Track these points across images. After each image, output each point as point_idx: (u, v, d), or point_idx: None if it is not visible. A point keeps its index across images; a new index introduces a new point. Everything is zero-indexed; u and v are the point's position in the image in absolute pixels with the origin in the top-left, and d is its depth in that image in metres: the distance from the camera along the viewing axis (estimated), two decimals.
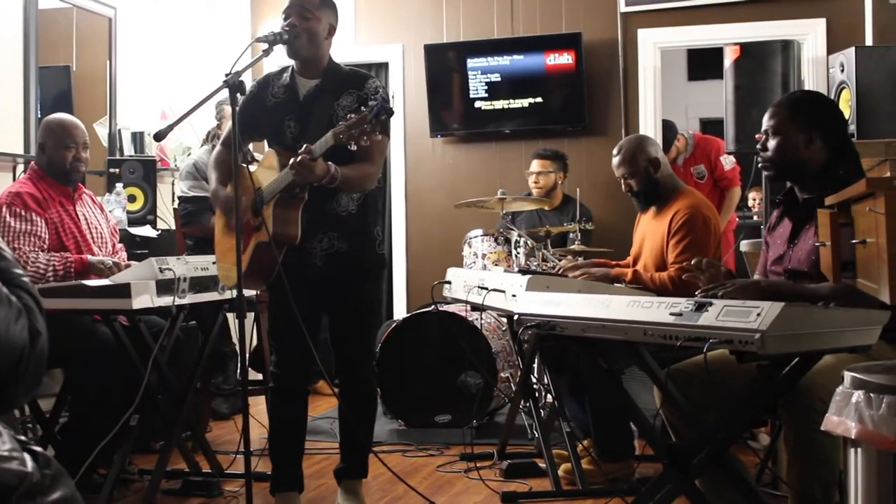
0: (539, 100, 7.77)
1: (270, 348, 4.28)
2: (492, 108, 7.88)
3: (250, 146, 4.76)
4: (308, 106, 4.01)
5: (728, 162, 7.57)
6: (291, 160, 3.63)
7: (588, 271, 4.70)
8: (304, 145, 3.64)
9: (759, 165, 3.63)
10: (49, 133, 4.80)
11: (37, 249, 4.53)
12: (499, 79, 7.83)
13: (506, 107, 7.85)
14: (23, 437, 1.70)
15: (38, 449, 1.72)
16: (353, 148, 3.65)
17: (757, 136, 3.67)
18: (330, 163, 3.70)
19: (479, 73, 7.87)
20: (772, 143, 3.56)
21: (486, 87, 7.85)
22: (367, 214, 4.12)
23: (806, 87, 6.72)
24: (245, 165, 3.82)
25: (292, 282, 3.79)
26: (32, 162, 4.91)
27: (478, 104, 7.90)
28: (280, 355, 4.13)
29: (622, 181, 4.79)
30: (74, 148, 4.79)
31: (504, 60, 7.82)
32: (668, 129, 7.74)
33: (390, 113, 3.59)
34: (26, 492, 1.66)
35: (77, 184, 4.88)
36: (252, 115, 4.08)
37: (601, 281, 4.59)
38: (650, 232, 4.81)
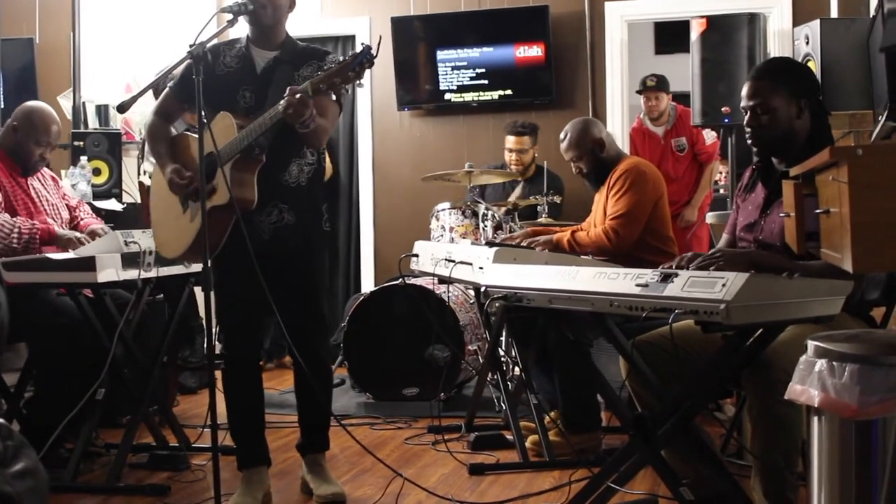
0: (509, 92, 7.78)
1: (218, 327, 4.19)
2: (461, 99, 7.88)
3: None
4: (266, 77, 3.95)
5: (709, 136, 7.59)
6: (285, 98, 3.55)
7: (534, 241, 4.82)
8: (290, 87, 3.58)
9: (749, 141, 3.54)
10: (27, 122, 4.73)
11: None
12: (469, 74, 7.83)
13: (476, 99, 7.86)
14: None
15: (1, 420, 1.71)
16: (339, 107, 3.65)
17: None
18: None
19: (450, 69, 7.86)
20: (765, 119, 3.45)
21: (456, 83, 7.86)
22: (315, 188, 4.09)
23: None
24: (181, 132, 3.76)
25: (238, 256, 3.72)
26: None
27: (448, 96, 7.91)
28: (228, 333, 4.07)
29: (572, 164, 5.01)
30: (46, 147, 4.76)
31: (474, 52, 7.81)
32: (662, 82, 7.74)
33: (372, 61, 3.55)
34: None
35: None
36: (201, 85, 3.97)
37: (547, 247, 4.74)
38: (598, 202, 5.03)
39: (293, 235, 3.99)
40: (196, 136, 3.63)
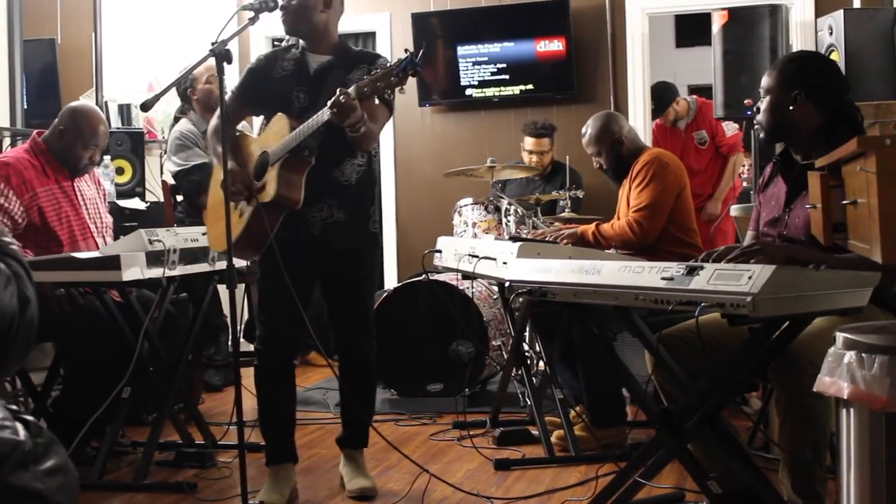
0: (530, 87, 7.77)
1: (257, 321, 4.23)
2: (483, 95, 7.88)
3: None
4: (319, 79, 4.00)
5: (730, 128, 7.53)
6: (332, 99, 3.58)
7: (559, 235, 4.82)
8: (340, 89, 3.60)
9: (755, 128, 3.63)
10: (75, 126, 4.66)
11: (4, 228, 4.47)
12: (490, 69, 7.82)
13: (497, 94, 7.85)
14: (14, 407, 1.70)
15: (30, 418, 1.72)
16: (376, 102, 3.67)
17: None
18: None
19: (471, 64, 7.85)
20: (762, 105, 3.55)
21: (477, 78, 7.85)
22: (366, 189, 4.13)
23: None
24: (239, 132, 3.81)
25: (286, 251, 3.77)
26: (36, 133, 4.77)
27: (469, 91, 7.90)
28: (266, 327, 4.09)
29: (593, 159, 5.03)
30: (94, 149, 4.72)
31: (495, 48, 7.80)
32: (667, 90, 7.72)
33: (416, 67, 3.55)
34: (18, 460, 1.66)
35: None
36: (258, 88, 4.08)
37: (571, 240, 4.76)
38: (622, 196, 5.02)
39: (343, 233, 4.02)
40: (253, 136, 3.71)
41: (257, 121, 5.04)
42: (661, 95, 7.64)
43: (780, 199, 3.57)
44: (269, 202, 3.81)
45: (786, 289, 2.63)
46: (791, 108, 3.46)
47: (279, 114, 3.92)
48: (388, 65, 3.61)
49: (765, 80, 3.57)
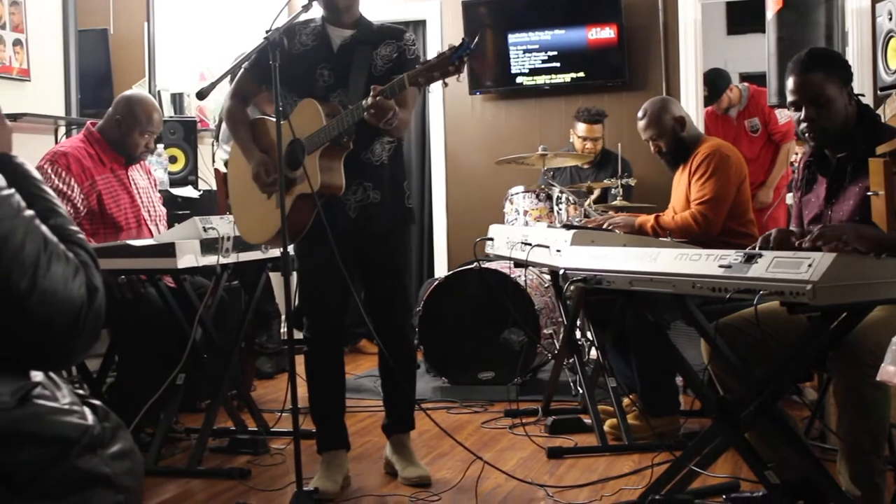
0: (581, 74, 7.74)
1: (304, 310, 4.22)
2: (533, 83, 7.86)
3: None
4: (344, 56, 3.95)
5: (783, 115, 7.44)
6: (369, 100, 3.56)
7: (613, 222, 4.77)
8: (374, 87, 3.58)
9: (807, 134, 3.47)
10: (131, 115, 4.68)
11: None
12: (541, 57, 7.79)
13: (548, 82, 7.82)
14: (81, 391, 1.71)
15: (98, 402, 1.74)
16: (429, 91, 3.64)
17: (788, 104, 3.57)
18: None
19: (522, 52, 7.83)
20: (823, 111, 3.41)
21: (528, 66, 7.83)
22: (397, 166, 4.11)
23: (850, 39, 6.64)
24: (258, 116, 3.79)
25: (323, 240, 3.72)
26: (90, 123, 4.81)
27: (520, 79, 7.88)
28: (313, 317, 4.10)
29: (651, 143, 4.91)
30: (150, 136, 4.75)
31: (545, 35, 7.77)
32: (720, 76, 7.63)
33: (472, 54, 3.53)
34: (87, 444, 1.68)
35: None
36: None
37: (625, 230, 4.69)
38: (677, 183, 4.96)
39: (379, 213, 4.01)
40: (271, 120, 3.66)
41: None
42: (715, 82, 7.57)
43: (820, 196, 3.54)
44: (314, 193, 3.75)
45: (846, 277, 2.60)
46: (847, 106, 3.41)
47: (308, 99, 3.85)
48: (442, 53, 3.58)
49: (806, 88, 3.43)
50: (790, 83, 3.47)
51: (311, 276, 4.05)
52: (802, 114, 3.45)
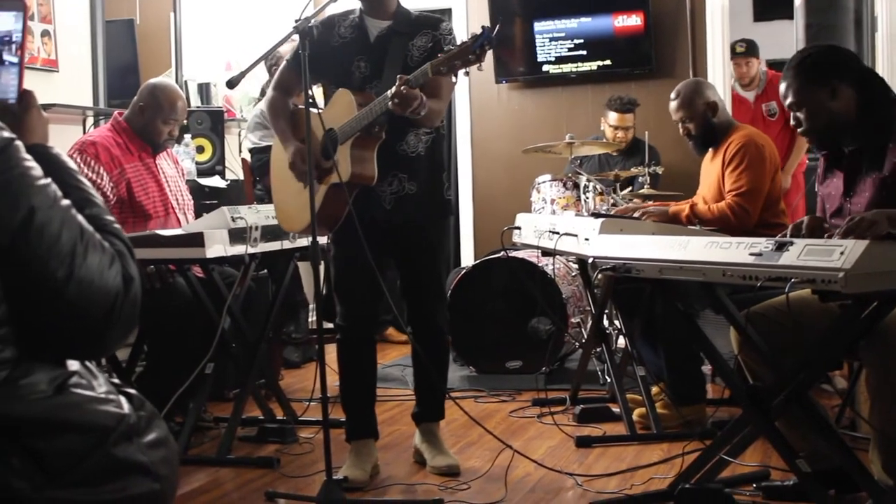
0: (608, 62, 7.71)
1: (336, 299, 4.22)
2: (560, 71, 7.84)
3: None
4: (381, 47, 3.96)
5: None
6: (393, 90, 3.56)
7: (646, 211, 4.74)
8: (400, 76, 3.58)
9: (806, 138, 3.53)
10: (155, 102, 4.70)
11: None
12: (567, 45, 7.77)
13: (574, 70, 7.80)
14: (117, 380, 1.72)
15: (133, 391, 1.75)
16: (454, 80, 3.64)
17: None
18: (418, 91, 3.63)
19: (548, 40, 7.80)
20: (801, 115, 3.45)
21: (554, 54, 7.80)
22: (434, 158, 4.09)
23: (881, 25, 6.58)
24: (317, 110, 3.79)
25: (356, 230, 3.71)
26: (117, 112, 4.84)
27: (546, 67, 7.86)
28: (346, 306, 4.11)
29: (680, 125, 4.87)
30: (174, 124, 4.76)
31: (572, 23, 7.74)
32: (752, 47, 7.59)
33: (493, 43, 3.52)
34: (123, 433, 1.69)
35: None
36: (315, 57, 3.84)
37: (659, 219, 4.64)
38: (707, 171, 4.91)
39: (414, 205, 4.00)
40: (315, 111, 3.67)
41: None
42: (753, 44, 7.56)
43: (838, 188, 3.52)
44: (345, 182, 3.74)
45: (879, 264, 2.58)
46: (830, 101, 3.39)
47: (342, 89, 3.88)
48: (464, 42, 3.56)
49: (788, 95, 3.48)
50: (779, 89, 3.55)
51: (346, 265, 4.05)
52: (792, 119, 3.53)
